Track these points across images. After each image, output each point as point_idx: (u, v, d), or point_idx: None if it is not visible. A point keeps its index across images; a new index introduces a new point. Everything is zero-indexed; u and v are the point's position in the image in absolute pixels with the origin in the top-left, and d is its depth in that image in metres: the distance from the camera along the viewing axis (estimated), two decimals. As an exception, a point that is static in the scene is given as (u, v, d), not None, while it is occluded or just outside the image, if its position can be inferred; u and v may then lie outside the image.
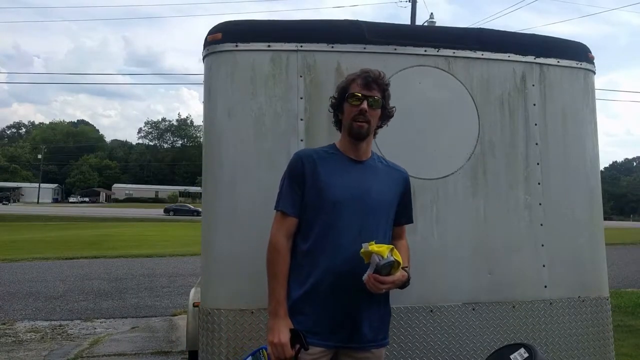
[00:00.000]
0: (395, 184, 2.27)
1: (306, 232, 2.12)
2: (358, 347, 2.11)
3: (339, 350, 2.11)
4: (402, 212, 2.30)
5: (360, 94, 2.13)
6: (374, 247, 1.96)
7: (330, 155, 2.20)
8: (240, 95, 2.75)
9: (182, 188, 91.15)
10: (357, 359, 2.12)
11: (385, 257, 1.94)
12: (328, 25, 2.96)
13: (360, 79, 2.15)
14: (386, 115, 2.26)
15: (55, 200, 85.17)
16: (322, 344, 2.06)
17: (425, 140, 2.91)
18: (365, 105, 2.12)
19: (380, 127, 2.29)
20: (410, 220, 2.37)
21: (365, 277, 1.98)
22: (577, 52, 3.22)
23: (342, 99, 2.20)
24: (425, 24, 19.06)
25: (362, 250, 1.98)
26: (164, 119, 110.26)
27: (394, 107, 2.29)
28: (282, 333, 2.01)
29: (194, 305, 4.24)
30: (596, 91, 3.31)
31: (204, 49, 2.90)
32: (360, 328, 2.10)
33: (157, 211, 50.72)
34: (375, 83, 2.15)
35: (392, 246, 2.03)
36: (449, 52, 2.97)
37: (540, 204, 3.01)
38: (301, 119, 2.79)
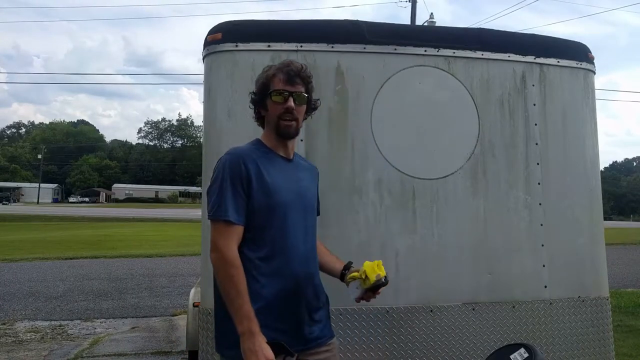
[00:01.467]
0: (314, 179, 2.27)
1: (258, 239, 1.98)
2: (320, 344, 2.09)
3: (302, 352, 2.04)
4: (318, 204, 2.31)
5: (284, 90, 2.02)
6: (376, 267, 2.07)
7: (265, 154, 2.07)
8: (240, 95, 2.74)
9: (182, 188, 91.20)
10: (320, 356, 2.09)
11: (384, 274, 2.06)
12: (328, 25, 2.96)
13: (282, 73, 2.03)
14: (311, 108, 2.16)
15: (55, 200, 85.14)
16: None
17: (425, 140, 2.91)
18: (291, 102, 2.02)
19: (304, 119, 2.18)
20: (319, 212, 2.33)
21: (357, 295, 2.07)
22: (577, 52, 3.22)
23: (264, 95, 2.07)
24: (425, 24, 19.05)
25: (357, 272, 2.09)
26: (164, 119, 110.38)
27: (318, 99, 2.20)
28: (266, 350, 1.85)
29: (194, 305, 4.24)
30: (596, 91, 3.32)
31: (204, 48, 2.90)
32: (318, 326, 2.10)
33: (158, 211, 50.72)
34: (298, 77, 2.04)
35: (379, 261, 2.13)
36: (449, 52, 2.98)
37: (540, 204, 3.01)
38: (301, 119, 2.79)
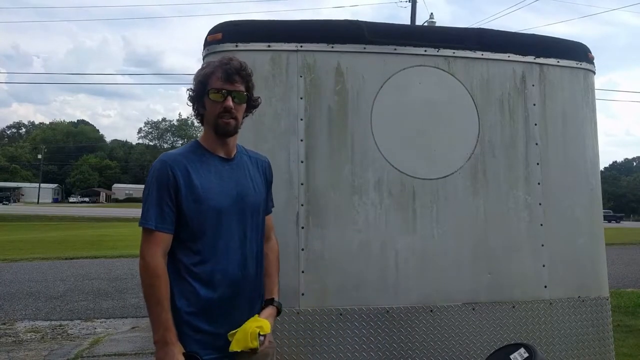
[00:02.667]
0: (263, 173, 2.18)
1: (190, 245, 1.95)
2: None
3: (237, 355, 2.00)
4: (268, 199, 2.23)
5: (222, 89, 1.97)
6: (249, 337, 1.94)
7: (200, 157, 2.00)
8: (240, 95, 2.74)
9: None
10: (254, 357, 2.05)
11: (256, 345, 1.94)
12: (328, 25, 2.96)
13: (220, 71, 1.97)
14: (252, 106, 2.11)
15: (55, 200, 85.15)
16: (222, 356, 1.96)
17: (425, 140, 2.91)
18: (230, 102, 1.97)
19: (245, 117, 2.12)
20: (272, 204, 2.27)
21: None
22: (577, 52, 3.22)
23: (202, 92, 2.00)
24: (425, 24, 19.06)
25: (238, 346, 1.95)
26: (164, 119, 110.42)
27: (259, 97, 2.14)
28: None
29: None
30: (596, 91, 3.32)
31: (204, 49, 2.90)
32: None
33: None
34: (237, 75, 1.98)
35: (257, 330, 1.97)
36: (449, 52, 2.98)
37: (540, 204, 3.01)
38: (301, 119, 2.80)
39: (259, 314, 2.09)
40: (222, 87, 1.97)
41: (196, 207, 1.93)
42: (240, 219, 2.02)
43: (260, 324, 2.00)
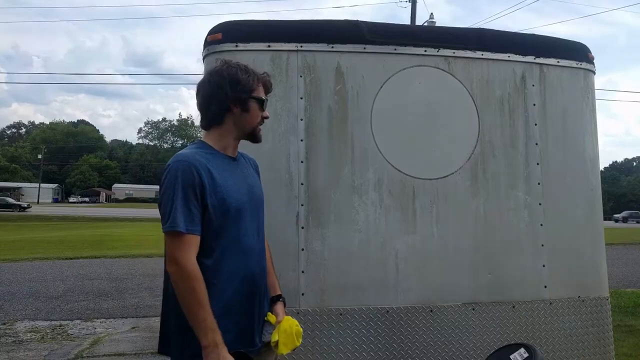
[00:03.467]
0: (256, 172, 2.24)
1: (213, 245, 1.93)
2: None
3: (257, 352, 2.03)
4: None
5: (266, 100, 2.10)
6: (294, 336, 2.06)
7: (213, 156, 2.00)
8: (240, 95, 2.74)
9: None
10: (265, 355, 2.09)
11: (299, 343, 2.07)
12: (328, 25, 2.96)
13: (263, 82, 2.09)
14: None
15: (56, 200, 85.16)
16: (246, 351, 1.97)
17: (425, 140, 2.92)
18: (267, 113, 2.11)
19: None
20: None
21: (266, 340, 2.04)
22: (577, 52, 3.22)
23: (246, 96, 2.02)
24: (425, 24, 19.05)
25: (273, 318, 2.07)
26: (164, 119, 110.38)
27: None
28: None
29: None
30: (596, 91, 3.32)
31: (204, 49, 2.90)
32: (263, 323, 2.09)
33: (158, 211, 50.60)
34: (270, 89, 2.14)
35: (299, 328, 2.10)
36: (449, 52, 2.98)
37: (540, 204, 3.01)
38: (301, 119, 2.80)
39: (270, 310, 2.12)
40: (266, 97, 2.08)
41: (220, 205, 1.93)
42: (254, 216, 2.06)
43: (295, 321, 2.10)
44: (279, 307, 2.14)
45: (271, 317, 2.08)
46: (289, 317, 2.12)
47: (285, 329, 2.04)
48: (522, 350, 2.48)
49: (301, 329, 2.09)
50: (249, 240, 2.02)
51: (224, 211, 1.93)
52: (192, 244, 1.87)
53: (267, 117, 2.10)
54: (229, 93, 2.00)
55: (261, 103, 2.07)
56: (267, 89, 2.10)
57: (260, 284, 2.06)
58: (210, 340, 1.81)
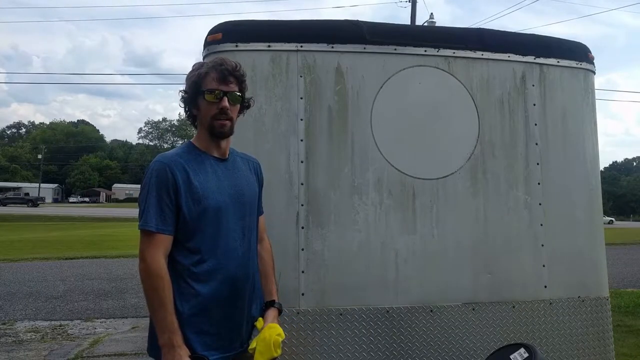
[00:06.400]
0: (255, 174, 2.19)
1: (189, 246, 1.93)
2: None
3: (237, 356, 2.02)
4: (260, 200, 2.23)
5: (218, 90, 1.96)
6: (272, 346, 1.97)
7: (195, 157, 1.99)
8: (240, 95, 2.74)
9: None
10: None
11: (279, 353, 1.98)
12: (328, 25, 2.96)
13: (215, 72, 1.96)
14: (244, 106, 2.11)
15: (56, 200, 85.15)
16: (224, 357, 1.96)
17: (425, 140, 2.92)
18: (225, 103, 1.96)
19: (237, 117, 2.11)
20: (262, 211, 2.25)
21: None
22: (576, 52, 3.22)
23: (196, 93, 1.98)
24: (425, 24, 19.05)
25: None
26: (164, 119, 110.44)
27: (251, 97, 2.14)
28: None
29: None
30: (596, 91, 3.32)
31: (204, 49, 2.90)
32: (252, 328, 2.07)
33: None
34: (232, 76, 1.98)
35: (279, 337, 2.01)
36: (449, 52, 2.98)
37: (540, 204, 3.01)
38: (301, 119, 2.80)
39: (261, 316, 2.09)
40: (217, 87, 1.96)
41: (196, 207, 1.92)
42: (238, 218, 2.02)
43: (277, 330, 2.02)
44: (269, 313, 2.11)
45: (259, 323, 2.06)
46: (275, 325, 2.05)
47: (265, 337, 1.99)
48: (522, 350, 2.48)
49: (280, 339, 2.00)
50: (231, 241, 1.98)
51: (200, 212, 1.92)
52: (162, 243, 1.88)
53: (225, 107, 1.96)
54: (184, 95, 2.03)
55: (208, 94, 1.96)
56: (222, 75, 1.96)
57: (244, 287, 2.01)
58: (167, 340, 1.83)
